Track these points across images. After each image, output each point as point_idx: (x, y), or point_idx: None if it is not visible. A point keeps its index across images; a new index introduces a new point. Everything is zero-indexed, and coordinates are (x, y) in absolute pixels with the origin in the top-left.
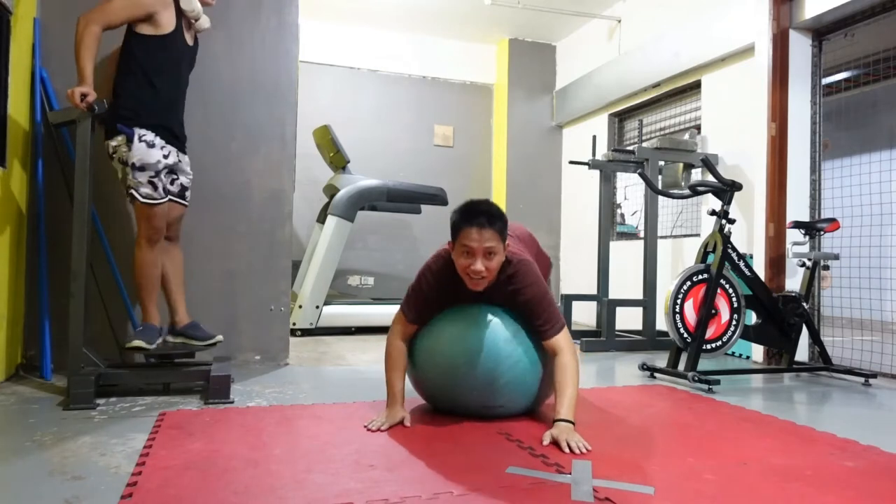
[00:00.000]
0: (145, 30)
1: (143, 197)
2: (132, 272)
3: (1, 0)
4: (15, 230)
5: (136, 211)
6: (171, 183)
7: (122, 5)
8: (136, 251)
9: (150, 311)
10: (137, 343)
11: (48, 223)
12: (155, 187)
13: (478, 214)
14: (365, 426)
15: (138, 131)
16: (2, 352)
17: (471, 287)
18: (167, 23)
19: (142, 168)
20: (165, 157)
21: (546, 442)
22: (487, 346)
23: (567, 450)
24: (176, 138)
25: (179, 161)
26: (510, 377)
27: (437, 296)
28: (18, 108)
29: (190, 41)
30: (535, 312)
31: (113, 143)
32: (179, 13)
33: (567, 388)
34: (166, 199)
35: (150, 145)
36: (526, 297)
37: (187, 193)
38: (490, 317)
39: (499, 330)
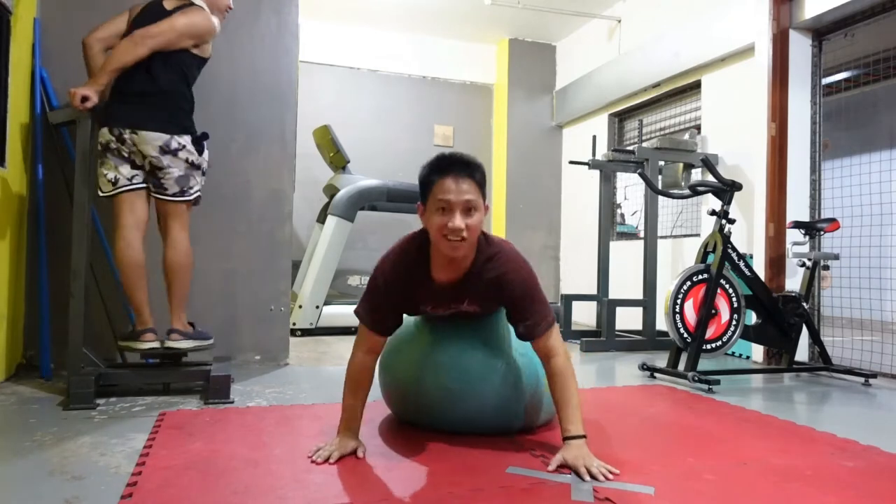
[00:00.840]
0: (193, 49)
1: (194, 193)
2: (180, 268)
3: (1, 0)
4: (15, 230)
5: (186, 209)
6: None
7: (183, 35)
8: (186, 246)
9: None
10: (174, 343)
11: (48, 223)
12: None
13: (453, 163)
14: (308, 456)
15: (199, 136)
16: (2, 352)
17: (448, 253)
18: (209, 50)
19: (204, 173)
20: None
21: (552, 467)
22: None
23: (589, 478)
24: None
25: None
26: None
27: (398, 291)
28: (18, 108)
29: None
30: (523, 304)
31: (180, 140)
32: None
33: (571, 397)
34: None
35: (208, 153)
36: (511, 283)
37: None
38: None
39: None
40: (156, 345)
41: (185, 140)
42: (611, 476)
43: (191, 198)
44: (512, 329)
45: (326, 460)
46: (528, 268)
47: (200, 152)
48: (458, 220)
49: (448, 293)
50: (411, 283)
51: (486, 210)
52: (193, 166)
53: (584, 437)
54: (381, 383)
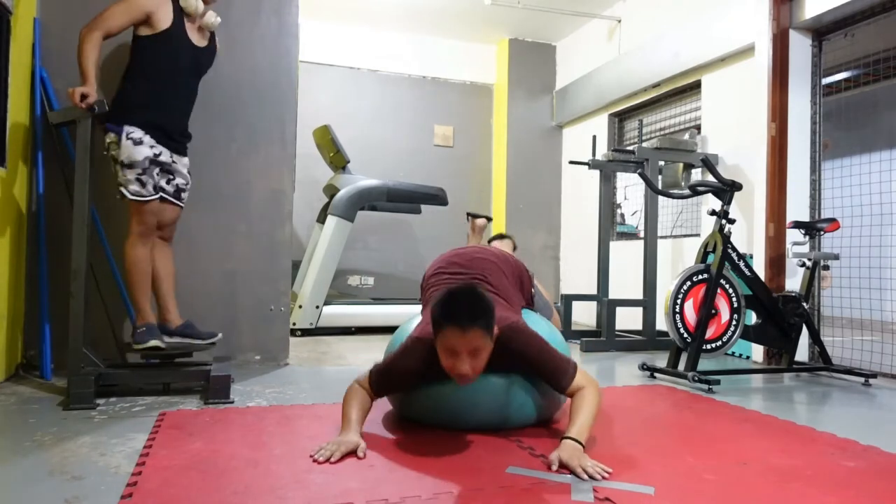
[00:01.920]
0: (143, 31)
1: (132, 194)
2: (124, 270)
3: (1, 0)
4: (15, 230)
5: (127, 208)
6: (167, 182)
7: (119, 10)
8: (126, 248)
9: (145, 308)
10: (154, 343)
11: (48, 223)
12: (143, 184)
13: (459, 312)
14: (310, 455)
15: (126, 129)
16: (2, 352)
17: (458, 383)
18: (163, 20)
19: (130, 165)
20: (156, 155)
21: (555, 467)
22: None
23: (585, 476)
24: (170, 138)
25: (174, 162)
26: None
27: (413, 379)
28: (18, 108)
29: (200, 41)
30: (542, 368)
31: (107, 140)
32: (180, 11)
33: (583, 410)
34: (156, 196)
35: (137, 143)
36: (525, 357)
37: (183, 195)
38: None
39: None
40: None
41: (110, 137)
42: (605, 475)
43: (130, 197)
44: None
45: (328, 459)
46: (536, 336)
47: (119, 144)
48: (465, 366)
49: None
50: (430, 374)
51: (494, 337)
52: (116, 162)
53: (581, 443)
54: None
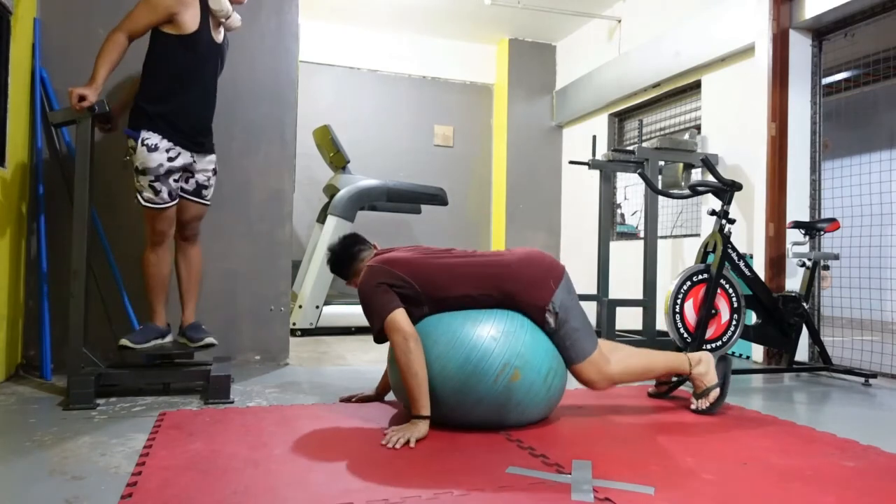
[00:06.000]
0: (167, 29)
1: (145, 201)
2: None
3: (1, 0)
4: (15, 230)
5: (144, 215)
6: (186, 181)
7: (143, 11)
8: (144, 251)
9: (156, 310)
10: (124, 342)
11: (48, 223)
12: (156, 192)
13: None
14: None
15: (143, 134)
16: (2, 352)
17: None
18: (190, 23)
19: (143, 172)
20: (171, 159)
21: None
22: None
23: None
24: (191, 139)
25: (194, 161)
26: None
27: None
28: (18, 108)
29: (218, 39)
30: (363, 307)
31: (128, 144)
32: (206, 12)
33: (404, 382)
34: (171, 203)
35: (152, 149)
36: (361, 301)
37: (205, 192)
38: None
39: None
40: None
41: (130, 142)
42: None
43: (144, 204)
44: (520, 322)
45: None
46: (367, 284)
47: (135, 150)
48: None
49: None
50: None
51: (356, 278)
52: (136, 170)
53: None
54: (391, 379)
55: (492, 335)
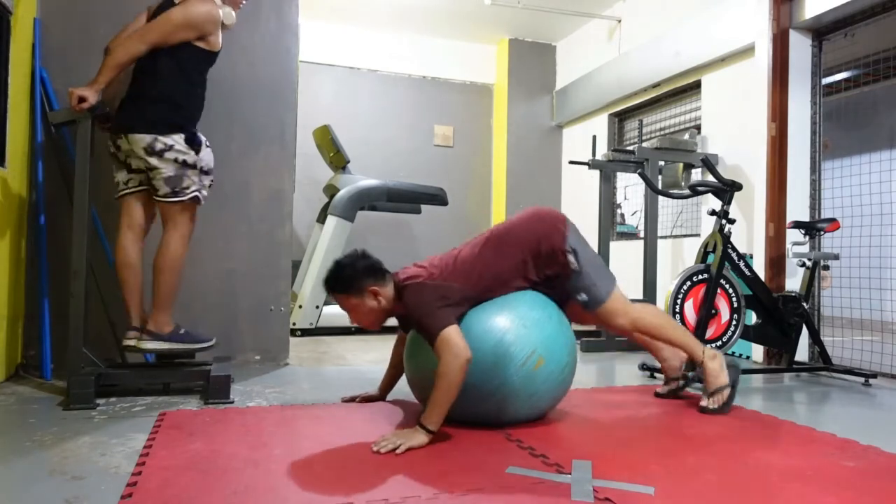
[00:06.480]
0: (199, 43)
1: (204, 199)
2: (161, 271)
3: (1, 0)
4: (15, 230)
5: (180, 211)
6: None
7: (179, 26)
8: (171, 249)
9: (171, 312)
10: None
11: (48, 223)
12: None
13: (327, 281)
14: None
15: (200, 136)
16: (2, 352)
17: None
18: (217, 43)
19: (207, 172)
20: None
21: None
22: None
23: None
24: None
25: None
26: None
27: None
28: (18, 107)
29: None
30: (418, 324)
31: (166, 140)
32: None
33: (433, 393)
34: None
35: (208, 146)
36: (408, 311)
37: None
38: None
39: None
40: (132, 343)
41: (175, 139)
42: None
43: (185, 198)
44: (548, 314)
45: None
46: (422, 299)
47: (197, 151)
48: (351, 319)
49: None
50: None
51: (368, 294)
52: (186, 165)
53: (427, 429)
54: (406, 373)
55: (522, 322)
